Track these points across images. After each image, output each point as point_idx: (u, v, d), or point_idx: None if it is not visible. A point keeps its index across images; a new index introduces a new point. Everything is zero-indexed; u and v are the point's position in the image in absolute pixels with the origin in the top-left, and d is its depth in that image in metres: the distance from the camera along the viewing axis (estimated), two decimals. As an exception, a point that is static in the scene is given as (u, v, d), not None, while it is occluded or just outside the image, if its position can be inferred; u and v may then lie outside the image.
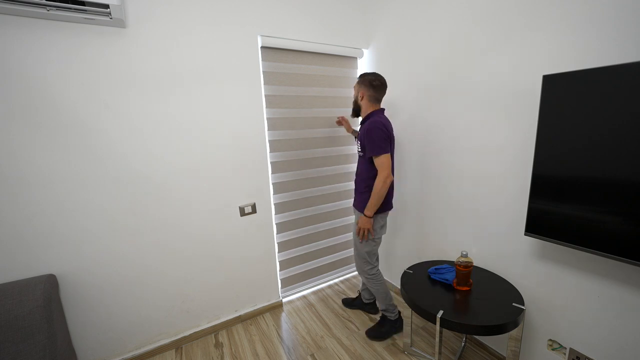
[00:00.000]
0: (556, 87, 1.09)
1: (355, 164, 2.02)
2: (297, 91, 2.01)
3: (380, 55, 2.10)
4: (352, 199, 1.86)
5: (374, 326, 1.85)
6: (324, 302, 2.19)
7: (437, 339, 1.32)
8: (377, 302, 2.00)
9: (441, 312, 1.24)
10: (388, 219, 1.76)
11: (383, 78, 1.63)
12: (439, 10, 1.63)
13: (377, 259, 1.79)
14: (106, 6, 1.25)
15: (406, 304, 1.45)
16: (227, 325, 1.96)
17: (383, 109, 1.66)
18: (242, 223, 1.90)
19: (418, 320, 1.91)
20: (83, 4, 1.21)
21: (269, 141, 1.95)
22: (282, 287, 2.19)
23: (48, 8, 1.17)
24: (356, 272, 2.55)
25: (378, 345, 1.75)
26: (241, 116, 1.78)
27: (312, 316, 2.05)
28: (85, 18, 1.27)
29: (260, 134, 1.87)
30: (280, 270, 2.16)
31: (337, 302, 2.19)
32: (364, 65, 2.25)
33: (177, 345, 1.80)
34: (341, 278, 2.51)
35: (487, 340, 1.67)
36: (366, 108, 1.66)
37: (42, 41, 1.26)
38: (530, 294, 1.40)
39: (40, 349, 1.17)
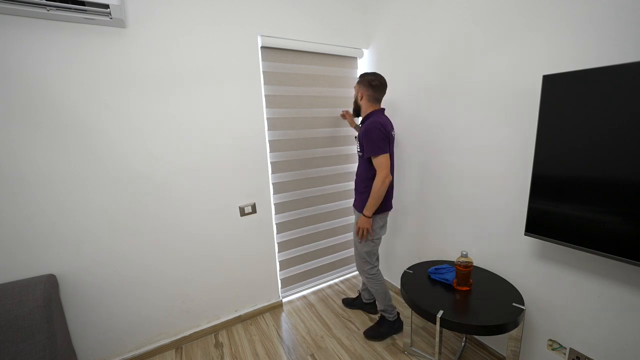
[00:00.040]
0: (556, 87, 1.09)
1: (356, 164, 2.03)
2: (297, 91, 2.01)
3: (380, 55, 2.10)
4: (352, 199, 1.86)
5: (372, 326, 1.85)
6: (324, 302, 2.19)
7: (437, 339, 1.32)
8: (376, 302, 2.00)
9: (441, 312, 1.24)
10: (388, 219, 1.76)
11: (383, 78, 1.62)
12: (439, 10, 1.63)
13: (378, 259, 1.79)
14: (106, 6, 1.25)
15: (406, 304, 1.45)
16: (227, 325, 1.96)
17: (383, 109, 1.66)
18: (242, 223, 1.90)
19: (418, 320, 1.91)
20: (83, 4, 1.21)
21: (269, 141, 1.95)
22: (282, 287, 2.19)
23: (48, 8, 1.17)
24: (356, 272, 2.55)
25: (378, 345, 1.75)
26: (241, 116, 1.78)
27: (312, 316, 2.05)
28: (85, 18, 1.27)
29: (260, 134, 1.87)
30: (280, 270, 2.16)
31: (337, 302, 2.19)
32: (364, 65, 2.25)
33: (177, 345, 1.80)
34: (341, 278, 2.51)
35: (487, 340, 1.67)
36: (366, 108, 1.66)
37: (42, 41, 1.26)
38: (530, 294, 1.40)
39: (40, 349, 1.17)
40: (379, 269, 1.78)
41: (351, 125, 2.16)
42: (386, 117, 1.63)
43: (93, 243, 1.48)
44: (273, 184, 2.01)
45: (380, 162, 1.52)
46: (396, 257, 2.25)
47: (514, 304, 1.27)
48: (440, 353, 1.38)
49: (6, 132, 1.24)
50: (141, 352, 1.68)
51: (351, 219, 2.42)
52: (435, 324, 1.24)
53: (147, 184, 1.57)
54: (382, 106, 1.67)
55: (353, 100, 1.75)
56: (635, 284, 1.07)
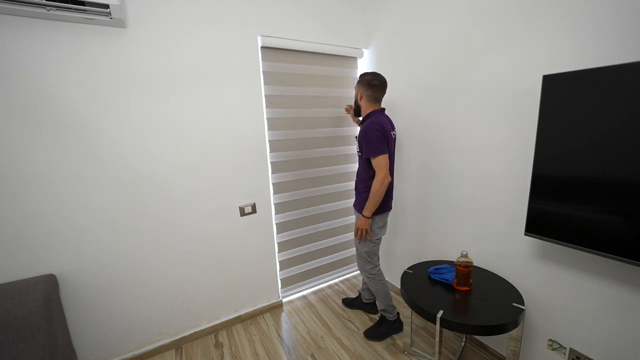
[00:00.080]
0: (556, 87, 1.09)
1: (356, 164, 2.02)
2: (297, 91, 2.01)
3: (380, 55, 2.10)
4: (353, 199, 1.86)
5: (372, 326, 1.85)
6: (324, 302, 2.19)
7: (437, 339, 1.32)
8: (376, 301, 2.00)
9: (441, 312, 1.24)
10: (388, 219, 1.76)
11: (383, 78, 1.62)
12: (439, 10, 1.63)
13: (379, 258, 1.79)
14: (106, 6, 1.25)
15: (406, 304, 1.45)
16: (227, 325, 1.96)
17: (383, 109, 1.65)
18: (242, 223, 1.90)
19: (418, 320, 1.91)
20: (83, 4, 1.21)
21: (269, 141, 1.95)
22: (282, 287, 2.19)
23: (48, 8, 1.17)
24: (356, 272, 2.55)
25: (378, 345, 1.75)
26: (241, 116, 1.78)
27: (312, 316, 2.05)
28: (85, 18, 1.27)
29: (260, 134, 1.87)
30: (280, 270, 2.16)
31: (337, 302, 2.19)
32: (364, 65, 2.25)
33: (177, 345, 1.80)
34: (341, 278, 2.51)
35: (487, 340, 1.67)
36: (366, 108, 1.65)
37: (42, 41, 1.26)
38: (530, 294, 1.40)
39: (40, 349, 1.17)
40: (380, 269, 1.78)
41: (354, 120, 2.16)
42: (386, 117, 1.63)
43: (93, 243, 1.48)
44: (273, 184, 2.01)
45: (378, 162, 1.51)
46: (396, 257, 2.25)
47: (514, 304, 1.27)
48: (440, 353, 1.38)
49: (6, 132, 1.24)
50: (141, 352, 1.68)
51: (351, 218, 2.42)
52: (435, 324, 1.24)
53: (147, 184, 1.57)
54: (382, 106, 1.67)
55: (353, 100, 1.74)
56: (635, 284, 1.07)
